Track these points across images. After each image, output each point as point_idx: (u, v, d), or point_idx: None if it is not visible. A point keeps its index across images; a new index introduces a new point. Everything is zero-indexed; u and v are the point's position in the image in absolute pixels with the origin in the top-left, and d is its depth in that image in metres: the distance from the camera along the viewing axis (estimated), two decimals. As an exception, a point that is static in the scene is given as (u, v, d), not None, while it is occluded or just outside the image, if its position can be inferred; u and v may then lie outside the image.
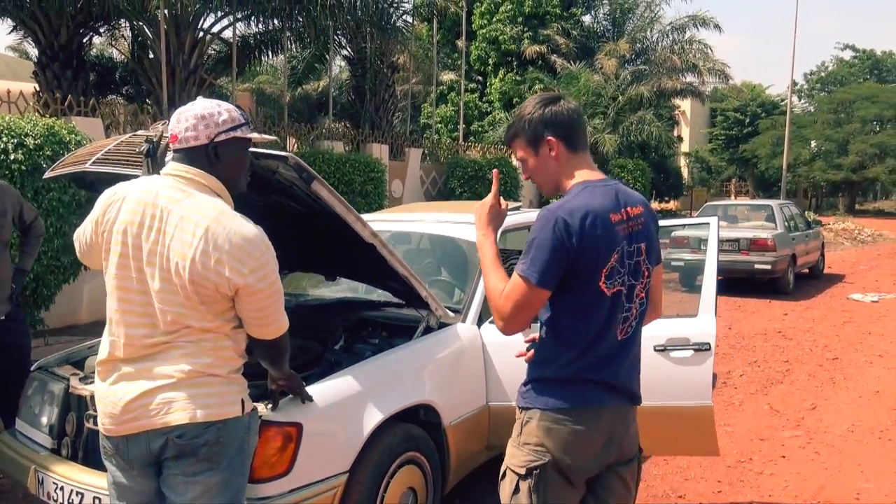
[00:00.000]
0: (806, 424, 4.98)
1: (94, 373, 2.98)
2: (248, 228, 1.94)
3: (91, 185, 3.36)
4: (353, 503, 2.64)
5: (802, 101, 48.16)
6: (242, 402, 2.04)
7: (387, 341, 3.35)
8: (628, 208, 1.98)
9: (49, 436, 2.90)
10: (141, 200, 1.98)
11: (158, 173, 2.31)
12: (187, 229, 1.91)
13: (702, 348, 3.21)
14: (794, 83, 31.34)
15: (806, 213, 15.28)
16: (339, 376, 2.76)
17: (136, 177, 2.39)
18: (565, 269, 1.90)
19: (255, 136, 2.14)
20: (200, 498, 1.98)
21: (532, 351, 2.15)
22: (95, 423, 2.68)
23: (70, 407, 2.87)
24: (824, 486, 3.93)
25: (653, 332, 3.31)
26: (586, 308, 1.96)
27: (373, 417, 2.72)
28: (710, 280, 3.39)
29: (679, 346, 3.26)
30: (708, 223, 3.59)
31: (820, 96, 45.58)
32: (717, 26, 23.35)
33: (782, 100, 39.89)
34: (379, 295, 3.87)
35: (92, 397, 2.74)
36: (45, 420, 2.96)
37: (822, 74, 50.02)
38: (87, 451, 2.77)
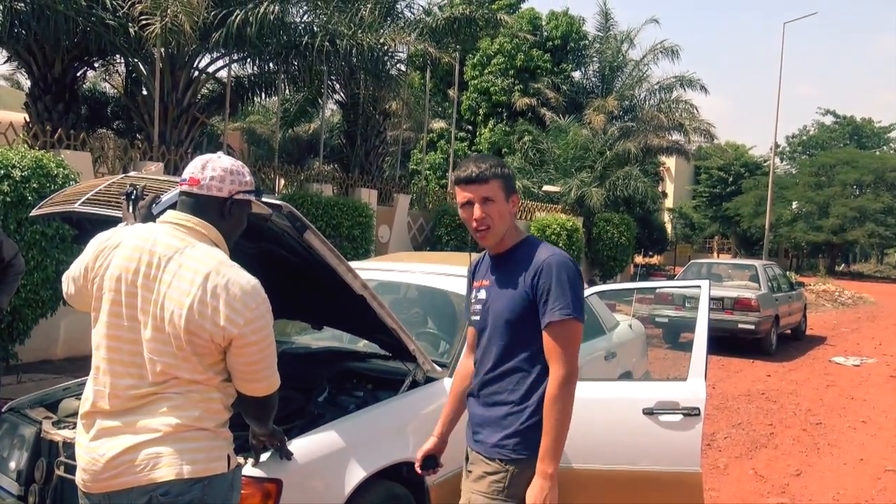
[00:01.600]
0: (791, 491, 4.92)
1: (68, 416, 2.91)
2: (246, 279, 1.92)
3: (78, 224, 3.31)
4: (332, 565, 2.54)
5: (784, 162, 49.16)
6: (228, 457, 1.97)
7: (372, 394, 3.28)
8: None
9: (16, 482, 2.79)
10: (138, 247, 1.94)
11: (135, 215, 2.29)
12: (185, 277, 1.88)
13: (691, 413, 3.17)
14: (777, 145, 32.02)
15: (787, 273, 15.41)
16: (322, 431, 2.69)
17: (121, 219, 2.36)
18: None
19: (262, 206, 2.21)
20: None
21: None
22: (66, 471, 2.59)
23: (41, 452, 2.77)
24: (810, 558, 3.86)
25: (642, 395, 3.29)
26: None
27: (355, 475, 2.65)
28: (700, 344, 3.36)
29: (668, 409, 3.21)
30: (700, 286, 3.58)
31: (802, 159, 46.61)
32: (703, 87, 23.87)
33: (765, 160, 40.70)
34: (364, 345, 3.81)
35: (64, 443, 2.66)
36: (13, 465, 2.85)
37: (804, 138, 51.19)
38: (55, 499, 2.66)
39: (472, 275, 2.43)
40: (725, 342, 10.99)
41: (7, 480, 2.82)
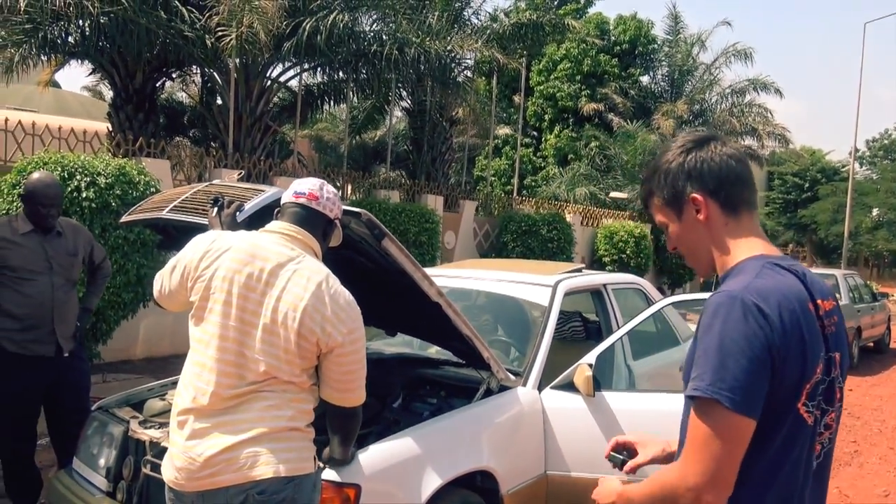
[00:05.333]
0: (879, 513, 4.70)
1: (153, 416, 3.01)
2: (348, 293, 2.05)
3: (163, 230, 3.43)
4: (409, 572, 2.55)
5: (864, 167, 47.19)
6: (315, 458, 2.05)
7: (445, 402, 3.29)
8: (819, 300, 1.40)
9: (105, 478, 2.90)
10: (250, 252, 2.03)
11: (221, 222, 2.37)
12: (299, 283, 1.98)
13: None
14: (857, 149, 30.73)
15: (869, 283, 14.77)
16: (398, 437, 2.71)
17: (207, 226, 2.43)
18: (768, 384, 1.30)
19: (339, 235, 2.29)
20: None
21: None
22: (153, 469, 2.67)
23: (128, 450, 2.86)
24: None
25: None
26: (784, 445, 1.35)
27: (431, 482, 2.65)
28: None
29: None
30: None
31: (883, 164, 44.60)
32: (777, 90, 23.11)
33: (843, 166, 39.12)
34: (437, 352, 3.82)
35: (151, 442, 2.74)
36: (102, 462, 2.96)
37: (886, 142, 48.99)
38: (141, 496, 2.75)
39: None
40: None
41: (98, 477, 2.93)
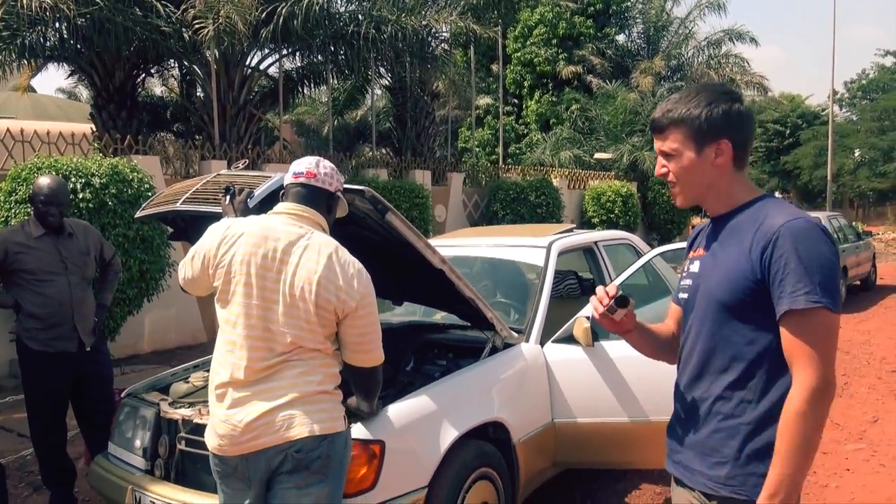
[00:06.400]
0: (869, 437, 4.95)
1: (180, 398, 3.20)
2: (357, 262, 2.19)
3: (172, 222, 3.59)
4: (433, 516, 2.76)
5: (844, 109, 47.37)
6: (344, 417, 2.23)
7: (454, 362, 3.48)
8: None
9: (143, 457, 3.08)
10: (262, 235, 2.18)
11: (234, 208, 2.54)
12: (311, 258, 2.14)
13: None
14: (835, 92, 30.94)
15: (854, 223, 15.04)
16: (415, 396, 2.90)
17: (220, 214, 2.60)
18: None
19: (344, 205, 2.44)
20: None
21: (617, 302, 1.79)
22: (188, 445, 2.87)
23: (162, 430, 3.05)
24: (892, 498, 3.92)
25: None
26: None
27: (449, 434, 2.85)
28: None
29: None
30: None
31: (862, 104, 44.77)
32: (753, 39, 23.18)
33: (823, 110, 39.35)
34: (442, 318, 4.01)
35: (183, 421, 2.93)
36: (138, 443, 3.15)
37: (864, 82, 49.10)
38: (178, 471, 2.94)
39: (691, 244, 1.91)
40: (792, 297, 10.87)
41: (135, 457, 3.12)
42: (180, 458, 2.94)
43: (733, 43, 23.37)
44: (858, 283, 12.46)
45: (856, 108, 45.41)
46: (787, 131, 39.36)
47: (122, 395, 3.43)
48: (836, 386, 1.57)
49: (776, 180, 40.45)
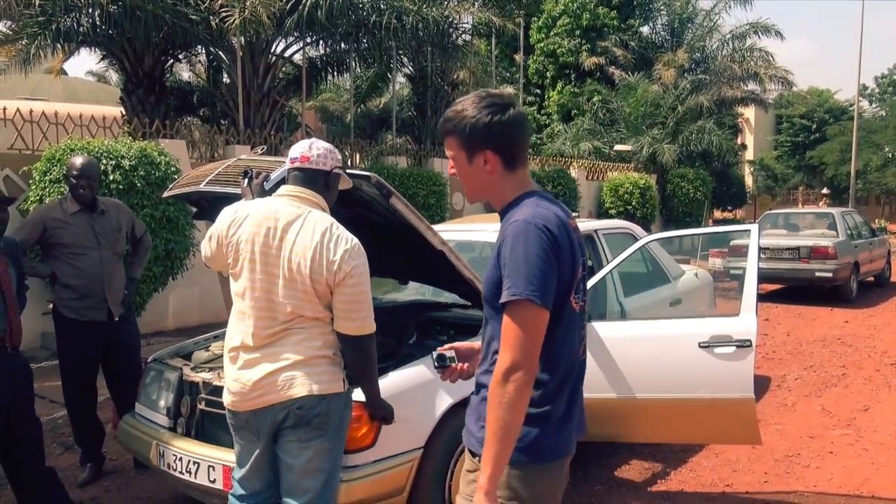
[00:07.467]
0: (857, 424, 5.13)
1: (201, 364, 3.49)
2: (351, 236, 2.42)
3: (196, 203, 3.88)
4: (427, 475, 3.04)
5: (874, 105, 46.70)
6: (343, 380, 2.48)
7: (454, 338, 3.72)
8: (571, 220, 1.87)
9: (166, 416, 3.39)
10: (264, 216, 2.44)
11: (251, 191, 2.80)
12: (307, 235, 2.38)
13: (743, 345, 3.49)
14: (864, 87, 30.60)
15: (877, 220, 15.01)
16: (413, 365, 3.17)
17: (238, 195, 2.87)
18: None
19: (347, 179, 2.66)
20: (311, 461, 2.42)
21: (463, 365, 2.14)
22: (207, 405, 3.16)
23: (184, 392, 3.35)
24: (869, 479, 4.13)
25: (697, 330, 3.64)
26: (566, 330, 1.82)
27: (444, 402, 3.11)
28: (751, 282, 3.66)
29: (722, 342, 3.54)
30: (749, 230, 3.87)
31: (892, 100, 44.10)
32: (778, 33, 23.06)
33: (850, 105, 38.82)
34: (446, 297, 4.27)
35: (204, 383, 3.22)
36: (162, 403, 3.45)
37: (894, 77, 48.39)
38: (199, 428, 3.24)
39: None
40: (803, 291, 11.01)
41: (159, 416, 3.43)
42: (200, 417, 3.24)
43: (759, 36, 23.33)
44: (872, 279, 12.52)
45: (885, 103, 44.70)
46: (814, 126, 38.94)
47: (149, 360, 3.74)
48: (533, 372, 1.70)
49: (801, 175, 40.05)
